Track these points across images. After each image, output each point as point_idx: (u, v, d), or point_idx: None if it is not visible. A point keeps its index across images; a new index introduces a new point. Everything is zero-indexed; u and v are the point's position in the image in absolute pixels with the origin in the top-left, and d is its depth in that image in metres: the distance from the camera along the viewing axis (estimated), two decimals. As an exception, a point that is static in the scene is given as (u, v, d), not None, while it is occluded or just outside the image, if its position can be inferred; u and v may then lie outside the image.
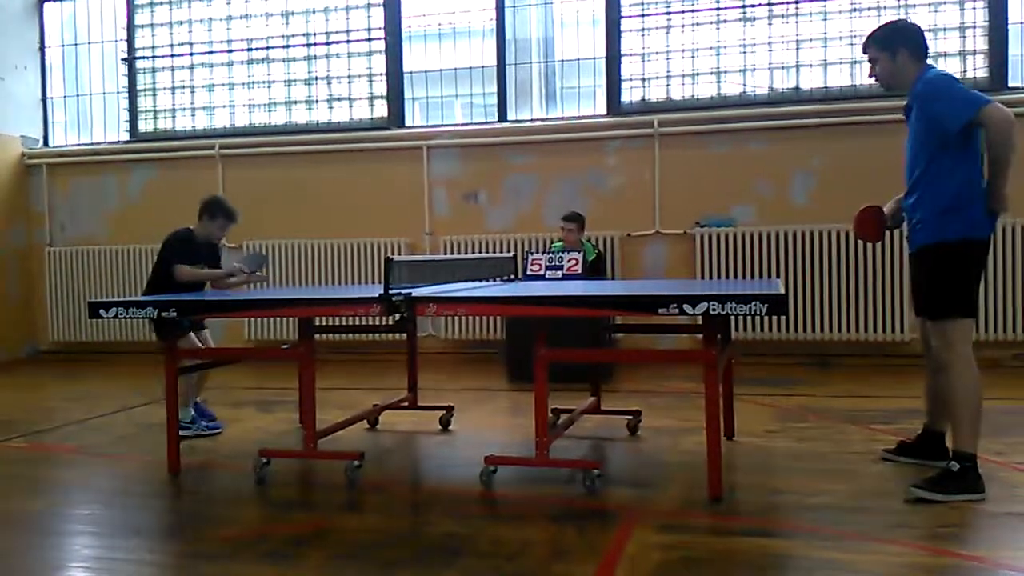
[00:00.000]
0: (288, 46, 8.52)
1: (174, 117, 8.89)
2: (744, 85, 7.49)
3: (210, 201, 5.10)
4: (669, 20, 7.62)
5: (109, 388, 6.79)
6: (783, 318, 7.01)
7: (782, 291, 3.35)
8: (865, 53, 3.63)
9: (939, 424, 3.73)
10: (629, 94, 7.74)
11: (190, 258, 4.94)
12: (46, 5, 9.19)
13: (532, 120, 8.06)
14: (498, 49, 8.00)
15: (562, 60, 8.25)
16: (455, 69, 8.16)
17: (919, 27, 3.66)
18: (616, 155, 7.67)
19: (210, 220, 5.03)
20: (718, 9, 7.50)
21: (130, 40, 8.93)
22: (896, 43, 3.51)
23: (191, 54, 8.79)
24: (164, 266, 4.95)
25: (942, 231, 3.35)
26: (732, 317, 4.59)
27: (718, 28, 7.51)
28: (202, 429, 4.92)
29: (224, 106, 8.74)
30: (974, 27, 6.99)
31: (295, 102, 8.55)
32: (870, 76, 3.64)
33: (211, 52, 8.73)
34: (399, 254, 7.82)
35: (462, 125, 8.26)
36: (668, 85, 7.66)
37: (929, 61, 3.56)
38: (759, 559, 2.81)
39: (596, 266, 6.79)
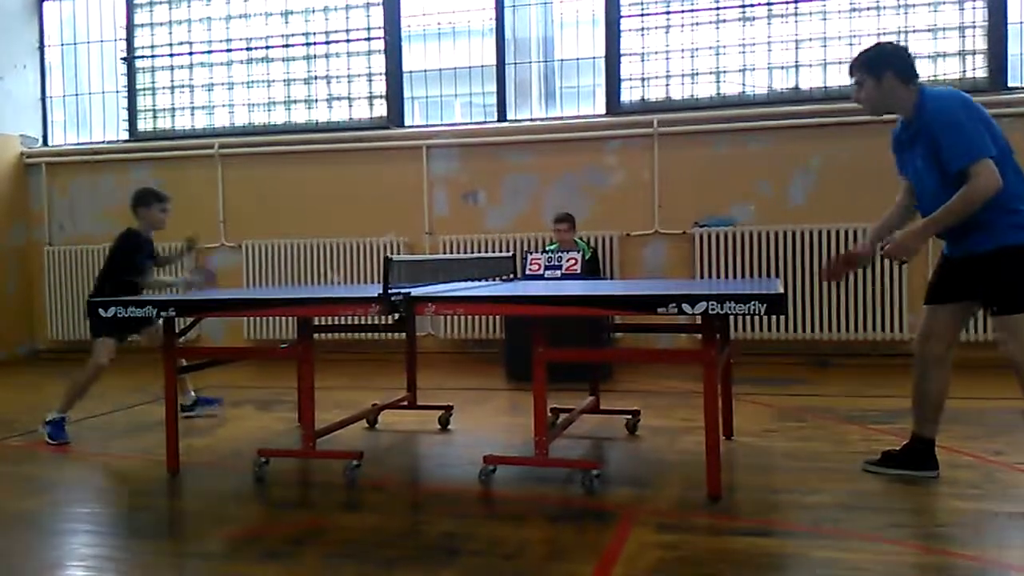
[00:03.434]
0: (287, 45, 8.51)
1: (173, 116, 8.88)
2: (743, 85, 7.49)
3: (139, 193, 5.27)
4: (668, 20, 7.62)
5: (107, 387, 6.77)
6: (782, 318, 7.01)
7: (781, 291, 3.35)
8: (851, 76, 3.56)
9: (927, 430, 3.62)
10: (628, 94, 7.74)
11: (142, 259, 5.15)
12: (45, 4, 9.18)
13: (531, 120, 8.05)
14: (497, 48, 8.00)
15: (561, 60, 8.25)
16: (454, 68, 8.16)
17: (906, 48, 3.62)
18: (615, 155, 7.67)
19: (147, 208, 5.22)
20: (717, 9, 7.49)
21: (129, 39, 8.92)
22: (882, 66, 3.43)
23: (190, 53, 8.78)
24: (113, 266, 5.15)
25: (1003, 237, 3.32)
26: (731, 317, 4.59)
27: (717, 28, 7.51)
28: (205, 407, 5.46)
29: (223, 105, 8.74)
30: (973, 27, 6.99)
31: (294, 101, 8.54)
32: (855, 100, 3.58)
33: (210, 51, 8.72)
34: (398, 253, 7.82)
35: (461, 125, 8.26)
36: (667, 85, 7.66)
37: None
38: (758, 558, 2.81)
39: (592, 265, 6.80)
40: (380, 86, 8.29)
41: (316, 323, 4.26)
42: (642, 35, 7.67)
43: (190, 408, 5.46)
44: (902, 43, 3.56)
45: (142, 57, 8.91)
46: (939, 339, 3.56)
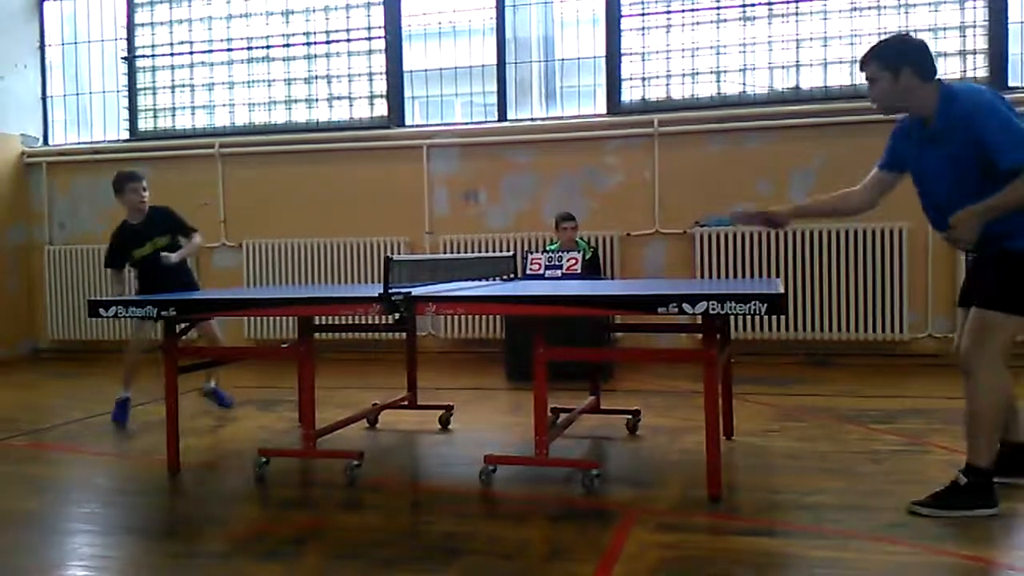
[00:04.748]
0: (288, 45, 8.51)
1: (174, 116, 8.88)
2: (744, 84, 7.49)
3: (112, 181, 5.43)
4: (669, 19, 7.62)
5: (108, 386, 6.77)
6: (782, 317, 7.01)
7: (781, 290, 3.36)
8: (863, 71, 3.27)
9: (1012, 434, 3.34)
10: (629, 93, 7.74)
11: (125, 250, 5.37)
12: (46, 3, 9.18)
13: (532, 119, 8.05)
14: (498, 48, 8.00)
15: (562, 59, 8.25)
16: (455, 68, 8.16)
17: (923, 42, 3.29)
18: (616, 154, 7.67)
19: (121, 195, 5.38)
20: (718, 8, 7.49)
21: (130, 38, 8.92)
22: (900, 61, 3.16)
23: (191, 52, 8.78)
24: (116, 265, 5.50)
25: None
26: (731, 316, 4.59)
27: (718, 27, 7.50)
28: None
29: (224, 105, 8.74)
30: (974, 26, 6.99)
31: (295, 101, 8.54)
32: (869, 98, 3.33)
33: (211, 51, 8.72)
34: (399, 253, 7.82)
35: (462, 124, 8.26)
36: (668, 84, 7.65)
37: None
38: (758, 558, 2.81)
39: (592, 265, 6.81)
40: (380, 85, 8.29)
41: (317, 323, 4.26)
42: (643, 34, 7.67)
43: (207, 395, 5.68)
44: (917, 37, 3.24)
45: (143, 56, 8.91)
46: None
